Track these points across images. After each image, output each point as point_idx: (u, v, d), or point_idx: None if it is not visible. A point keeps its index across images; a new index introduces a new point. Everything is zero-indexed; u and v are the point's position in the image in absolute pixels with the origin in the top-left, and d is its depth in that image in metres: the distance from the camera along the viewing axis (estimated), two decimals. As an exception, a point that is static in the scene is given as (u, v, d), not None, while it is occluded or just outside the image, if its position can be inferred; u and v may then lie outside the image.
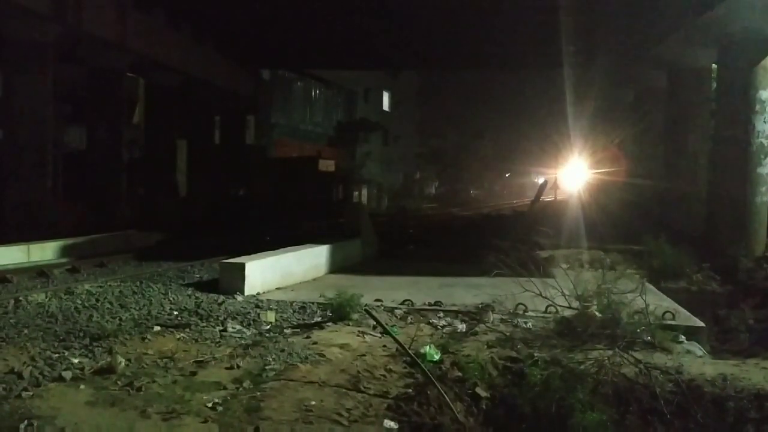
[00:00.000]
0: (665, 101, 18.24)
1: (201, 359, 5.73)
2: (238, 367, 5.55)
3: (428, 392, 5.21)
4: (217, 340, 6.45)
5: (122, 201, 19.70)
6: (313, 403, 4.86)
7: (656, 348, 6.35)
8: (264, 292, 9.15)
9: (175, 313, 7.67)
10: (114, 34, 18.67)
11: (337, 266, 11.68)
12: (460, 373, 5.67)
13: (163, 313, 7.66)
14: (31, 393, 4.83)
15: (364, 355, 6.03)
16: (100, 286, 9.19)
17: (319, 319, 7.57)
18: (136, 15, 19.74)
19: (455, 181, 53.97)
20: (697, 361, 6.23)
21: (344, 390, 5.18)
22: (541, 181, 29.93)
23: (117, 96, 19.71)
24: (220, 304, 8.17)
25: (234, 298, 8.63)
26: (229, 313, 7.61)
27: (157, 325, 6.96)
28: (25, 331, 6.60)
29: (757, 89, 13.33)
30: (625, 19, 19.01)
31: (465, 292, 9.28)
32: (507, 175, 63.24)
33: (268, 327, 7.13)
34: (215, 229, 18.85)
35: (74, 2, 16.64)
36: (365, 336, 6.74)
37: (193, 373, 5.36)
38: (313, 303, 8.32)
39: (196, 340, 6.38)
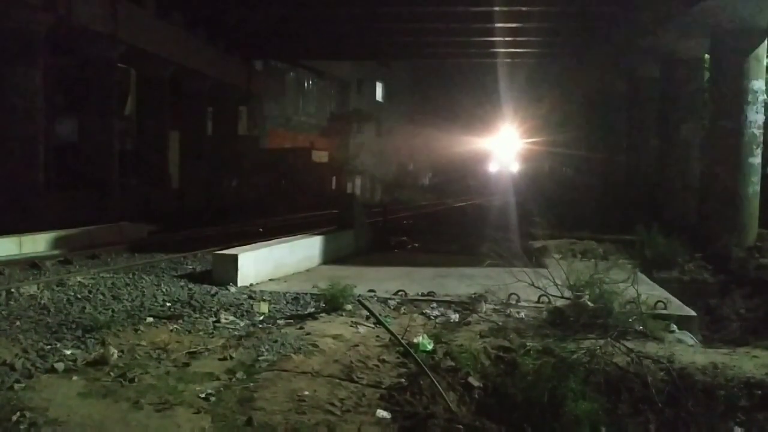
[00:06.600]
0: (658, 91, 18.26)
1: (194, 350, 5.73)
2: (231, 358, 5.55)
3: (421, 382, 5.23)
4: (210, 331, 6.45)
5: (114, 193, 19.62)
6: (306, 393, 4.87)
7: (648, 337, 6.38)
8: (257, 283, 9.13)
9: (168, 304, 7.66)
10: (105, 24, 18.55)
11: (330, 257, 11.67)
12: (452, 363, 5.68)
13: (155, 304, 7.65)
14: (23, 384, 4.82)
15: (357, 345, 6.03)
16: (93, 278, 9.18)
17: (313, 309, 7.57)
18: (127, 5, 19.63)
19: (449, 171, 53.90)
20: (688, 350, 6.27)
21: (337, 380, 5.19)
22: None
23: (108, 87, 19.57)
24: (213, 296, 8.16)
25: (227, 289, 8.61)
26: (222, 304, 7.60)
27: (150, 316, 6.94)
28: (17, 323, 6.59)
29: (749, 79, 13.34)
30: (618, 9, 19.02)
31: (458, 282, 9.30)
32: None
33: (261, 318, 7.13)
34: (208, 220, 18.81)
35: (65, -8, 16.55)
36: (358, 326, 6.75)
37: (186, 364, 5.36)
38: (306, 294, 8.31)
39: (189, 332, 6.37)
